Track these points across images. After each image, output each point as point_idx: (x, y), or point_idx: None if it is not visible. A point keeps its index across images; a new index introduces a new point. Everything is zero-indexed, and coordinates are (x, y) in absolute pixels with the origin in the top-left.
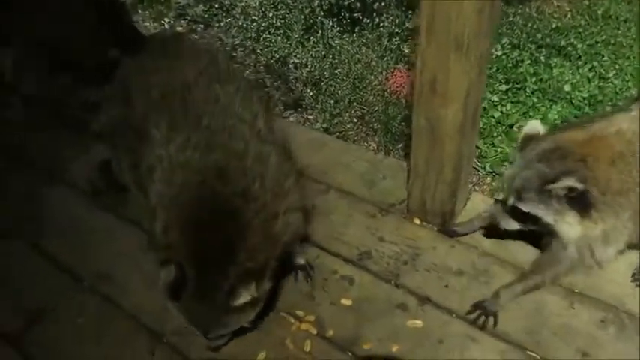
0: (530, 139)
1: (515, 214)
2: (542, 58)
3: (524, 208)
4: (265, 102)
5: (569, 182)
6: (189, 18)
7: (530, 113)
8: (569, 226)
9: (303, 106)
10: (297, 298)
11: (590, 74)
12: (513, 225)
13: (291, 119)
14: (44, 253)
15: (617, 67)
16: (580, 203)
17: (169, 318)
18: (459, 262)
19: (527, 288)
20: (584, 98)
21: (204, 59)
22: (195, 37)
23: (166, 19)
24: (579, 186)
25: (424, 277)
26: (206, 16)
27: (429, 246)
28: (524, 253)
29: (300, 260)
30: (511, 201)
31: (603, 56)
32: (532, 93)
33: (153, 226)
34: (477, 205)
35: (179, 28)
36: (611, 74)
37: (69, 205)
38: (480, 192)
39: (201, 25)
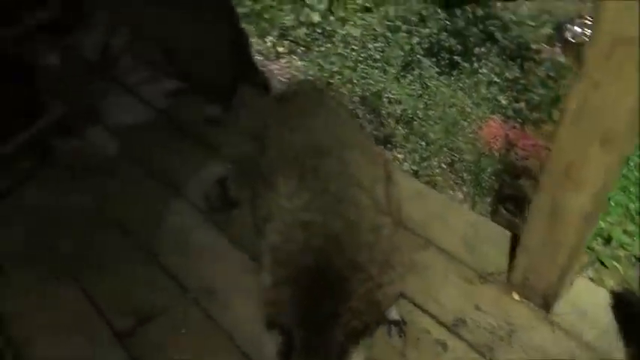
0: None
1: None
2: None
3: None
4: (387, 167)
5: None
6: (291, 39)
7: (631, 189)
8: None
9: (393, 143)
10: (389, 353)
11: None
12: None
13: None
14: (156, 261)
15: None
16: None
17: (263, 345)
18: (557, 349)
19: None
20: None
21: (341, 122)
22: (294, 57)
23: (269, 37)
24: None
25: (520, 358)
26: (308, 39)
27: (527, 325)
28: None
29: (395, 315)
30: None
31: None
32: (635, 167)
33: (261, 274)
34: (580, 290)
35: (280, 48)
36: None
37: (184, 217)
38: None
39: (302, 48)
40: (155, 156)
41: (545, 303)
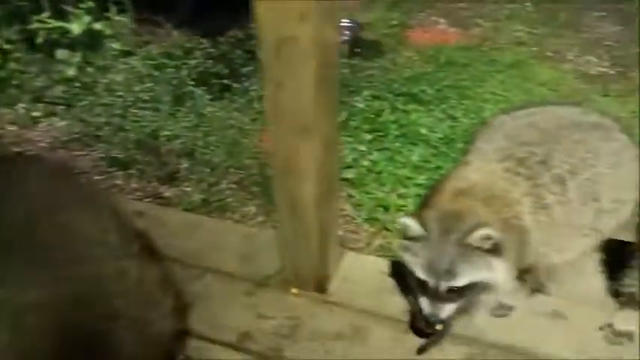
0: (420, 230)
1: (451, 296)
2: (400, 106)
3: (462, 280)
4: (115, 209)
5: (485, 231)
6: (47, 100)
7: (398, 157)
8: (499, 273)
9: (180, 178)
10: None
11: (442, 116)
12: (450, 309)
13: (167, 194)
14: None
15: (463, 107)
16: (497, 249)
17: None
18: (337, 325)
19: None
20: (439, 139)
21: (45, 185)
22: (55, 119)
23: (22, 104)
24: (492, 232)
25: (306, 347)
26: (67, 96)
27: (308, 314)
28: (398, 305)
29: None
30: (444, 285)
31: (451, 98)
32: (395, 139)
33: None
34: (349, 264)
35: (35, 113)
36: (459, 114)
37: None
38: (353, 248)
39: (62, 107)
40: None
41: (320, 287)
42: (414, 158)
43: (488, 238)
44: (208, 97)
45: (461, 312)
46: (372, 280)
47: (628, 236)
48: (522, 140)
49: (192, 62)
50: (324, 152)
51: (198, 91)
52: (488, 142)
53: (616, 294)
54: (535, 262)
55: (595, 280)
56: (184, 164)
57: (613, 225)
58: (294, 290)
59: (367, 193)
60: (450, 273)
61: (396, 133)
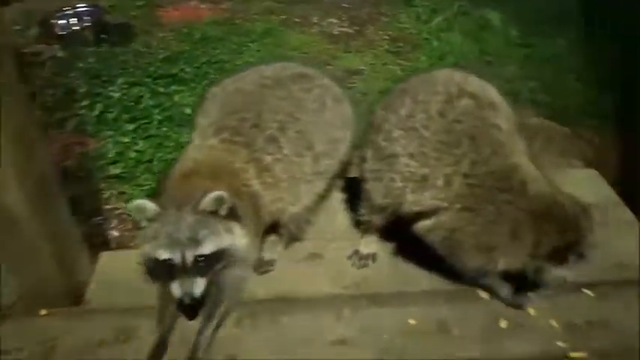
0: (154, 206)
1: (200, 268)
2: (160, 89)
3: (207, 247)
4: None
5: (216, 193)
6: None
7: (166, 142)
8: (240, 238)
9: None
10: None
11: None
12: (203, 283)
13: None
14: None
15: None
16: (233, 213)
17: None
18: (99, 332)
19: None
20: None
21: None
22: None
23: None
24: (223, 194)
25: None
26: None
27: (63, 331)
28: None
29: None
30: (190, 256)
31: (210, 74)
32: (160, 124)
33: None
34: (107, 263)
35: None
36: None
37: None
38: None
39: None
40: None
41: (74, 299)
42: (183, 140)
43: (221, 200)
44: None
45: (214, 284)
46: (131, 275)
47: (355, 173)
48: (232, 108)
49: None
50: (21, 151)
51: None
52: (204, 117)
53: (357, 224)
54: (277, 218)
55: (340, 217)
56: None
57: (335, 164)
58: (43, 312)
59: (139, 185)
60: (194, 241)
61: (160, 117)
